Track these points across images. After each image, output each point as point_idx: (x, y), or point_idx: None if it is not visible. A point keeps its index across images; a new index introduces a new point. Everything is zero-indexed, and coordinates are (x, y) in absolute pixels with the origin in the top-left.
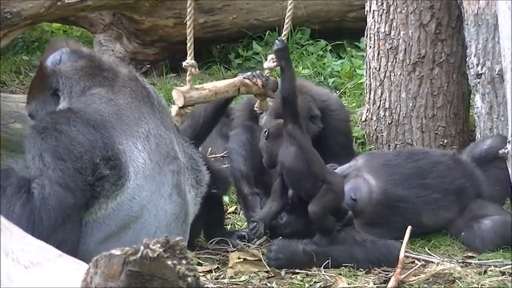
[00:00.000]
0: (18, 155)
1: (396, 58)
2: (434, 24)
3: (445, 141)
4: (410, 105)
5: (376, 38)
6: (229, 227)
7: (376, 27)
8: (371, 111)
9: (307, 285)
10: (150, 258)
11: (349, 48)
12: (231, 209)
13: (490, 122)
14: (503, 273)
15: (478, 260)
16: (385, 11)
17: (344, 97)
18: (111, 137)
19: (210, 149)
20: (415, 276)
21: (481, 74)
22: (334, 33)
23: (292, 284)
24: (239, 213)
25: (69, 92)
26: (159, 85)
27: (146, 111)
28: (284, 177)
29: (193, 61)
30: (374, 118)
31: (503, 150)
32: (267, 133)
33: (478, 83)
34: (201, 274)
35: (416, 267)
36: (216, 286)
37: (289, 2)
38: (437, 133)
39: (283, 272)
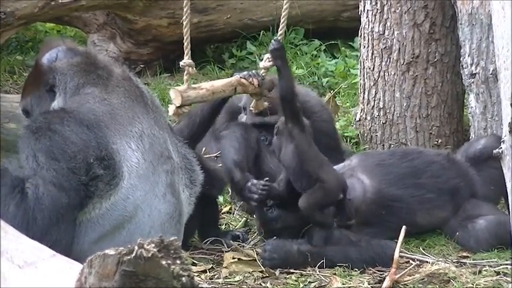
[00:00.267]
0: (13, 154)
1: (390, 58)
2: (428, 24)
3: (439, 140)
4: (405, 105)
5: (370, 37)
6: (223, 227)
7: (370, 27)
8: (365, 111)
9: (301, 285)
10: (144, 258)
11: (343, 48)
12: (225, 209)
13: (484, 121)
14: (498, 273)
15: (473, 259)
16: (379, 11)
17: (338, 97)
18: (105, 136)
19: (204, 149)
20: (410, 276)
21: (475, 73)
22: (328, 33)
23: (286, 284)
24: (233, 213)
25: (64, 88)
26: (153, 85)
27: (140, 111)
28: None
29: (190, 60)
30: (368, 118)
31: (497, 149)
32: (277, 129)
33: (472, 82)
34: (196, 274)
35: (411, 267)
36: (210, 286)
37: (285, 1)
38: (431, 133)
39: (277, 272)
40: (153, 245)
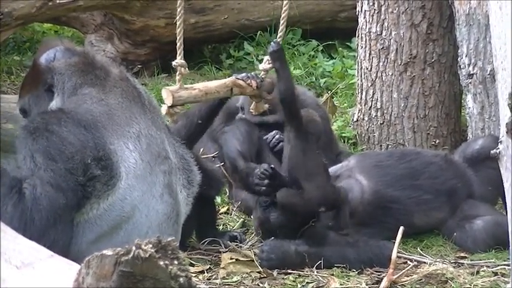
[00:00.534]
0: (10, 155)
1: (388, 58)
2: (425, 24)
3: (437, 141)
4: (402, 105)
5: (367, 38)
6: (221, 227)
7: (367, 28)
8: (363, 111)
9: (299, 286)
10: (141, 259)
11: (340, 49)
12: (223, 210)
13: (482, 122)
14: (495, 274)
15: (471, 260)
16: (376, 11)
17: (336, 97)
18: (102, 137)
19: (201, 150)
20: (408, 276)
21: (472, 74)
22: (326, 33)
23: (284, 285)
24: (231, 214)
25: (62, 88)
26: (151, 85)
27: (137, 111)
28: None
29: (182, 61)
30: (366, 118)
31: (494, 150)
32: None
33: (470, 83)
34: (193, 274)
35: (408, 267)
36: (208, 287)
37: (285, 2)
38: (429, 133)
39: (275, 273)
40: (150, 245)
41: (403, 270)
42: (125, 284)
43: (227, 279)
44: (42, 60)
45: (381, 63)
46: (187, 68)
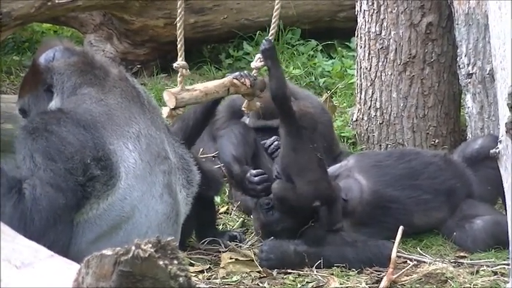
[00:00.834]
0: (9, 155)
1: (387, 58)
2: (424, 24)
3: (436, 141)
4: (401, 105)
5: (366, 38)
6: (220, 227)
7: (366, 27)
8: (362, 111)
9: (299, 285)
10: (141, 258)
11: (339, 48)
12: (222, 209)
13: (481, 121)
14: (495, 273)
15: (470, 259)
16: (375, 11)
17: (335, 97)
18: (102, 137)
19: (201, 150)
20: (407, 276)
21: (471, 73)
22: (325, 33)
23: (284, 284)
24: (231, 214)
25: (62, 88)
26: (150, 85)
27: (136, 111)
28: None
29: (184, 62)
30: (365, 118)
31: (494, 150)
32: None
33: (469, 82)
34: (193, 274)
35: (408, 267)
36: (207, 286)
37: (276, 1)
38: (428, 133)
39: (275, 272)
40: (150, 245)
41: (403, 270)
42: (124, 284)
43: (227, 278)
44: (42, 60)
45: (380, 63)
46: (188, 69)
